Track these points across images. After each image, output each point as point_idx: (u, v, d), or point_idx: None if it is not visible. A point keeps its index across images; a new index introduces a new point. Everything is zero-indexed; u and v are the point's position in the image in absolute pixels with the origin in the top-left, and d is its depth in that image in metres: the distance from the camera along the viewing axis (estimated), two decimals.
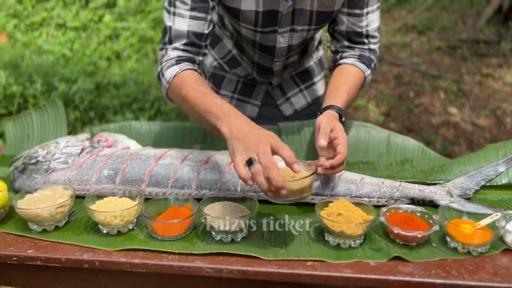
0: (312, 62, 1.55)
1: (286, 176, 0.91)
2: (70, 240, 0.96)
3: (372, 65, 1.35)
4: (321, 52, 1.60)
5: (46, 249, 0.94)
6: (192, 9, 1.17)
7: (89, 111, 3.52)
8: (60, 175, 1.15)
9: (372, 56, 1.35)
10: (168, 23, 1.19)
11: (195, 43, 1.19)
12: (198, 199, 1.10)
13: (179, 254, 0.91)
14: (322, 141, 1.07)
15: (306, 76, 1.55)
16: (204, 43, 1.21)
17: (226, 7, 1.24)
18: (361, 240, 0.94)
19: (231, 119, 0.97)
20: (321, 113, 1.17)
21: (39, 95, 3.41)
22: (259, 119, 1.53)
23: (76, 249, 0.94)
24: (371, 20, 1.31)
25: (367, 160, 1.34)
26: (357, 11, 1.28)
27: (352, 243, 0.93)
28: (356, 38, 1.33)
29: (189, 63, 1.18)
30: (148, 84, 4.19)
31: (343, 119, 1.20)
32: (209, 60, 1.54)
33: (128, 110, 3.67)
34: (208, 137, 1.46)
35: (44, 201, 1.01)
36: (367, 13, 1.29)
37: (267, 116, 1.56)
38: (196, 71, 1.18)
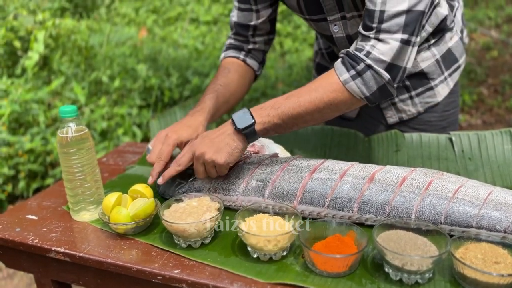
0: (430, 61, 1.19)
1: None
2: (218, 262, 0.85)
3: (360, 67, 0.94)
4: (450, 44, 1.20)
5: (192, 270, 0.83)
6: (239, 1, 1.25)
7: None
8: (205, 182, 1.05)
9: (373, 51, 0.93)
10: (232, 13, 1.30)
11: (241, 34, 1.28)
12: (359, 224, 0.92)
13: None
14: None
15: (420, 80, 1.21)
16: (250, 33, 1.27)
17: None
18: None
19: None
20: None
21: (174, 88, 3.52)
22: (357, 121, 1.32)
23: (225, 275, 0.81)
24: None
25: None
26: None
27: (420, 278, 0.76)
28: (366, 20, 0.95)
29: (234, 51, 1.30)
30: (276, 78, 4.11)
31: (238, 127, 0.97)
32: (315, 47, 1.43)
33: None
34: (362, 145, 1.26)
35: (190, 214, 0.91)
36: None
37: (367, 120, 1.31)
38: (238, 58, 1.29)
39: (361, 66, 0.94)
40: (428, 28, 1.14)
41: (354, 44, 0.99)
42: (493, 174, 1.10)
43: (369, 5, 0.94)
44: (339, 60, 0.98)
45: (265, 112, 0.97)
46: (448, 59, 1.20)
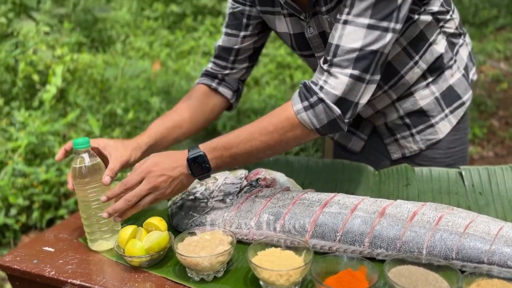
0: (429, 99, 1.21)
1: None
2: None
3: (313, 99, 0.97)
4: (451, 81, 1.22)
5: None
6: (226, 26, 1.28)
7: None
8: (218, 215, 1.07)
9: (325, 86, 0.97)
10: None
11: (222, 57, 1.29)
12: (370, 258, 0.93)
13: None
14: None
15: (420, 118, 1.23)
16: (232, 57, 1.28)
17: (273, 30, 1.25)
18: None
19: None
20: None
21: None
22: (363, 155, 1.34)
23: None
24: (349, 35, 0.95)
25: None
26: (338, 17, 0.99)
27: None
28: (325, 53, 1.00)
29: (208, 78, 1.31)
30: None
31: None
32: None
33: None
34: (373, 179, 1.27)
35: (203, 247, 0.92)
36: (346, 22, 0.96)
37: (373, 154, 1.33)
38: (210, 86, 1.30)
39: (314, 99, 0.98)
40: (422, 65, 1.17)
41: (316, 73, 1.03)
42: (504, 209, 1.10)
43: (330, 39, 1.00)
44: (297, 91, 1.03)
45: (218, 153, 1.01)
46: (449, 96, 1.22)
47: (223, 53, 1.29)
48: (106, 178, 1.02)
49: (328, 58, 0.98)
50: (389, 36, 0.96)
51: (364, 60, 0.96)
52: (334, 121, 0.99)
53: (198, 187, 1.16)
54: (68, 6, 5.01)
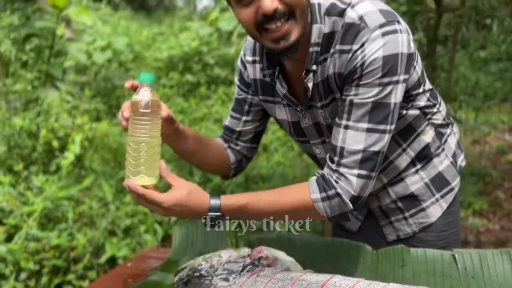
0: (419, 184, 1.30)
1: None
2: None
3: (331, 192, 1.10)
4: (440, 168, 1.31)
5: None
6: (232, 109, 1.42)
7: None
8: None
9: (340, 182, 1.10)
10: None
11: (227, 135, 1.43)
12: None
13: None
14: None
15: (412, 202, 1.32)
16: (235, 137, 1.41)
17: (273, 116, 1.37)
18: None
19: None
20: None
21: None
22: (360, 235, 1.42)
23: None
24: (352, 139, 1.09)
25: None
26: (337, 121, 1.14)
27: None
28: (330, 152, 1.14)
29: (222, 139, 1.44)
30: (293, 177, 4.26)
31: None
32: None
33: None
34: (370, 259, 1.33)
35: None
36: (346, 127, 1.11)
37: (369, 233, 1.41)
38: (220, 144, 1.42)
39: (331, 192, 1.10)
40: (411, 152, 1.28)
41: (326, 168, 1.15)
42: None
43: (332, 141, 1.13)
44: (314, 178, 1.15)
45: (235, 213, 1.13)
46: (439, 182, 1.31)
47: (228, 132, 1.43)
48: (164, 113, 1.11)
49: (336, 158, 1.12)
50: (387, 137, 1.10)
51: (369, 161, 1.09)
52: (345, 213, 1.12)
53: (204, 264, 1.23)
54: (90, 75, 5.33)
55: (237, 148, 1.43)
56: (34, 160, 3.62)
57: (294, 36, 1.08)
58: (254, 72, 1.33)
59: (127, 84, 1.13)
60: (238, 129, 1.41)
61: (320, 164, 1.35)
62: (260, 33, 1.09)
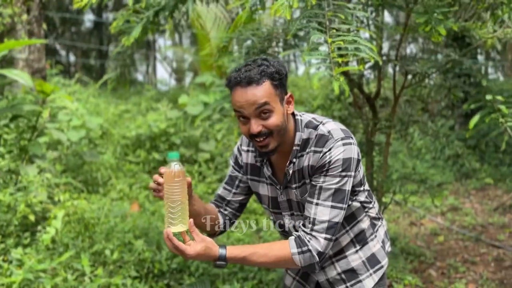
0: (358, 262, 1.77)
1: None
2: None
3: (305, 248, 1.57)
4: (373, 250, 1.79)
5: None
6: (225, 183, 1.88)
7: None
8: None
9: (311, 242, 1.57)
10: None
11: (219, 202, 1.87)
12: None
13: None
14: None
15: (352, 275, 1.78)
16: (225, 204, 1.86)
17: (256, 192, 1.84)
18: None
19: None
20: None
21: (163, 261, 3.98)
22: None
23: None
24: (321, 212, 1.59)
25: None
26: (309, 199, 1.63)
27: None
28: (304, 220, 1.62)
29: (215, 204, 1.88)
30: None
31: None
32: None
33: (235, 278, 4.07)
34: None
35: None
36: (317, 204, 1.60)
37: None
38: (214, 209, 1.85)
39: (305, 248, 1.59)
40: (351, 234, 1.78)
41: (301, 231, 1.63)
42: None
43: (306, 213, 1.64)
44: (293, 237, 1.63)
45: (235, 260, 1.58)
46: (372, 261, 1.81)
47: (220, 199, 1.89)
48: (188, 179, 1.56)
49: (309, 225, 1.61)
50: (343, 212, 1.63)
51: (332, 228, 1.61)
52: (313, 264, 1.61)
53: None
54: (62, 150, 5.63)
55: (225, 212, 1.90)
56: (9, 233, 3.82)
57: (271, 146, 1.64)
58: (247, 157, 1.85)
59: (154, 182, 1.64)
60: (228, 198, 1.87)
61: (285, 231, 1.83)
62: (252, 139, 1.65)
